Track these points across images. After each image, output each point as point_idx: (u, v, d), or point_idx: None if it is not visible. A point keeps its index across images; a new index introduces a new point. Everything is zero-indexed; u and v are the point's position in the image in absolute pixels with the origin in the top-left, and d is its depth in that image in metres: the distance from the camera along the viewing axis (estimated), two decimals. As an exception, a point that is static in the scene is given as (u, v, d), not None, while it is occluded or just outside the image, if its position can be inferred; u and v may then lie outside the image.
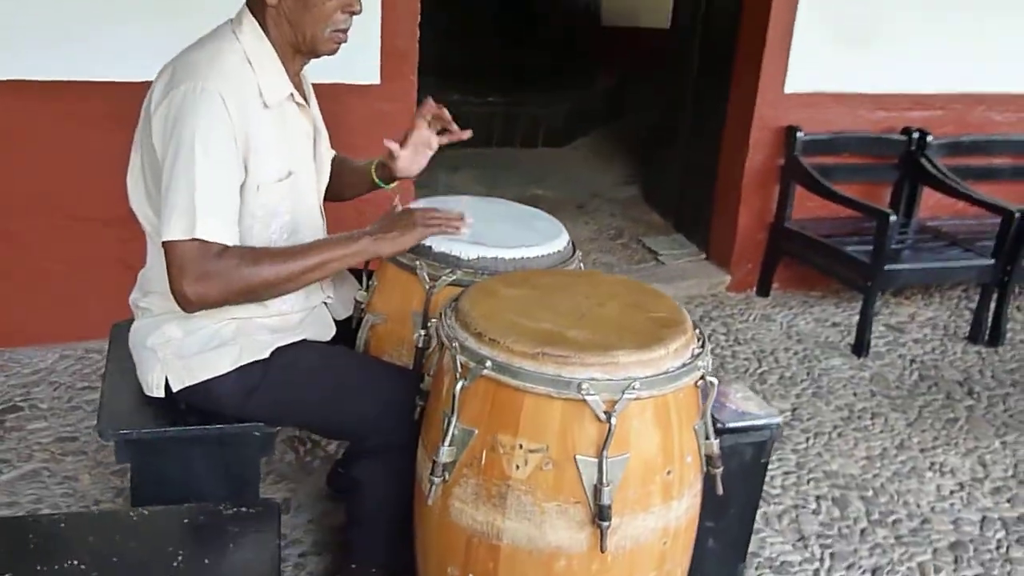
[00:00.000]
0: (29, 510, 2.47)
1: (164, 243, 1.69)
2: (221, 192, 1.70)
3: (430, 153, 2.12)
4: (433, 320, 1.83)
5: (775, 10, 3.89)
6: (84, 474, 2.64)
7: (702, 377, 1.58)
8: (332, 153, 2.19)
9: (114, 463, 2.63)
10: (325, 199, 2.13)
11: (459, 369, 1.53)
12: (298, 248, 1.80)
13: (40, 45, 2.96)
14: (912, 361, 3.73)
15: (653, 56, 5.43)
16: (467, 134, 2.10)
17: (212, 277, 1.67)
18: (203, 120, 1.68)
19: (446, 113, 2.08)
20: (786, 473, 2.90)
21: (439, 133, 2.11)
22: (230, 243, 1.71)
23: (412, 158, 2.09)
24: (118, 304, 3.14)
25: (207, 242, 1.67)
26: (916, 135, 4.19)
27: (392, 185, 2.17)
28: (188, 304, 1.70)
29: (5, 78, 2.95)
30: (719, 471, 1.65)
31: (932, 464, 3.02)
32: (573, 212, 5.01)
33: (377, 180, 2.16)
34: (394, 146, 2.06)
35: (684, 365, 1.55)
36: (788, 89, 4.03)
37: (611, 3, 7.35)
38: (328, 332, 2.01)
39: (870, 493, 2.84)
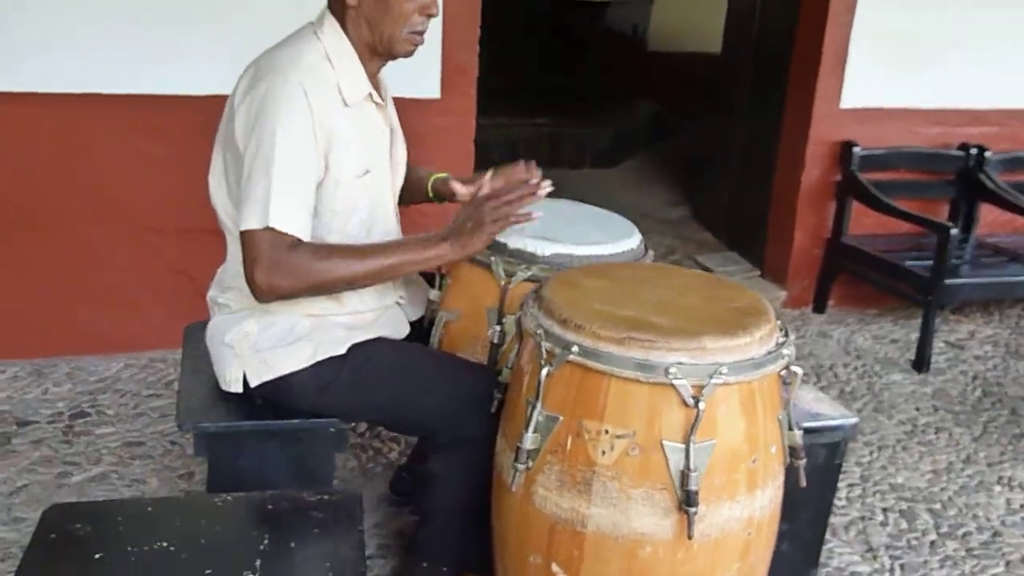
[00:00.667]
0: (99, 511, 2.51)
1: (241, 232, 1.72)
2: (297, 186, 1.73)
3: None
4: (508, 316, 1.84)
5: (830, 27, 3.89)
6: (151, 477, 2.67)
7: (786, 366, 1.57)
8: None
9: (180, 468, 2.69)
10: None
11: (544, 356, 1.53)
12: (372, 247, 1.82)
13: (111, 59, 3.04)
14: (975, 377, 3.67)
15: (698, 80, 5.45)
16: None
17: (284, 268, 1.70)
18: (285, 112, 1.72)
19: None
20: (851, 485, 2.86)
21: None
22: (302, 236, 1.73)
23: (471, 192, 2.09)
24: (181, 314, 3.20)
25: (280, 233, 1.69)
26: (974, 151, 4.15)
27: (444, 202, 2.20)
28: (260, 293, 1.73)
29: (80, 91, 3.03)
30: (802, 462, 1.63)
31: (1000, 478, 2.97)
32: (624, 231, 5.01)
33: (432, 195, 2.19)
34: (460, 189, 2.09)
35: (769, 353, 1.54)
36: (844, 105, 4.01)
37: (658, 28, 7.39)
38: (403, 331, 2.03)
39: (938, 506, 2.79)
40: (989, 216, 4.25)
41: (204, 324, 2.09)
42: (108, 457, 2.74)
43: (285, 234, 1.71)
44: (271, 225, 1.69)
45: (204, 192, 1.95)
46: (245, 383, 1.91)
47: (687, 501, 1.46)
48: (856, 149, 3.97)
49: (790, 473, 1.66)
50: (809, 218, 4.12)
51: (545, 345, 1.53)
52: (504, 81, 5.69)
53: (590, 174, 6.09)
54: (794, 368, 1.57)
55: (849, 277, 4.10)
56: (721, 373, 1.45)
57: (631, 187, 5.92)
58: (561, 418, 1.53)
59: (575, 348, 1.49)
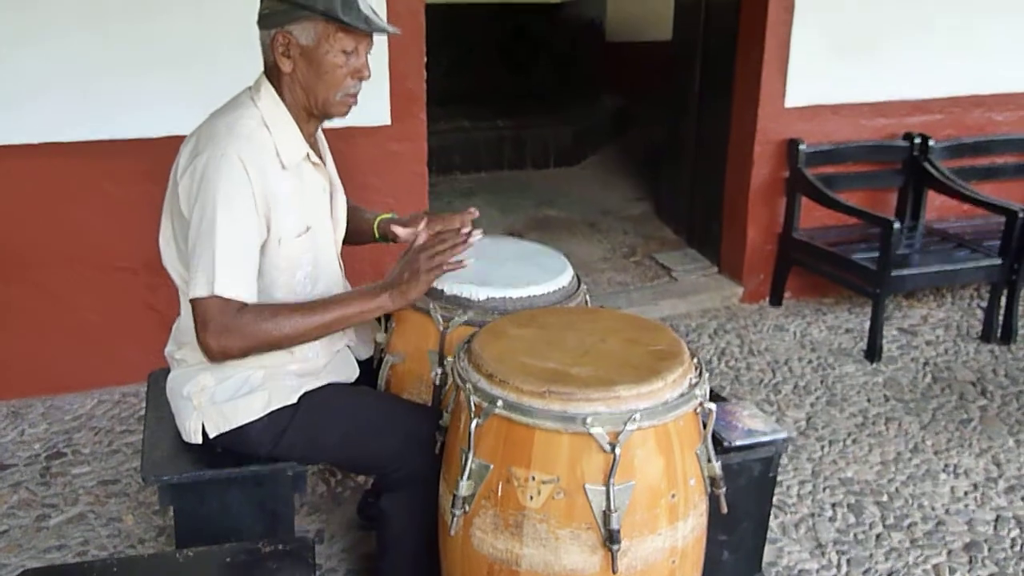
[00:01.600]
0: (77, 552, 2.61)
1: (190, 300, 1.82)
2: (241, 253, 1.83)
3: None
4: (449, 359, 1.94)
5: (771, 26, 3.99)
6: (128, 515, 2.77)
7: (700, 404, 1.69)
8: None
9: (155, 503, 2.78)
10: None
11: (473, 408, 1.64)
12: (316, 304, 1.92)
13: (69, 108, 3.13)
14: (925, 364, 3.80)
15: (658, 70, 5.54)
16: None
17: (232, 331, 1.81)
18: (224, 184, 1.81)
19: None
20: (802, 482, 2.99)
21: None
22: (249, 300, 1.84)
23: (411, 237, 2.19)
24: (150, 348, 3.30)
25: (226, 299, 1.81)
26: (918, 140, 4.28)
27: (391, 242, 2.30)
28: (212, 356, 1.85)
29: (40, 140, 3.12)
30: (722, 491, 1.75)
31: (946, 466, 3.09)
32: (586, 231, 5.12)
33: (378, 236, 2.30)
34: (399, 229, 2.21)
35: (682, 395, 1.66)
36: (788, 103, 4.12)
37: (615, 18, 7.47)
38: (352, 373, 2.14)
39: (885, 498, 2.92)
40: (936, 202, 4.38)
41: (166, 371, 2.19)
42: (85, 497, 2.84)
43: (230, 300, 1.81)
44: (217, 293, 1.80)
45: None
46: (205, 434, 2.01)
47: (610, 539, 1.58)
48: (802, 146, 4.08)
49: (713, 499, 1.78)
50: (761, 214, 4.24)
51: (473, 399, 1.64)
52: (464, 85, 5.80)
53: (554, 173, 6.20)
54: (708, 406, 1.68)
55: (803, 270, 4.23)
56: (635, 419, 1.57)
57: (594, 184, 6.02)
58: (492, 466, 1.64)
59: (500, 403, 1.60)
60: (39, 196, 3.18)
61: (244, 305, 1.84)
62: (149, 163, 3.14)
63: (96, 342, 3.37)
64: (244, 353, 1.88)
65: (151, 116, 3.18)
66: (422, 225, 2.10)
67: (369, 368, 2.20)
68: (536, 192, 5.77)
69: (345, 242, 2.33)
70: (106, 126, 3.17)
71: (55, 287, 3.28)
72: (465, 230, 2.01)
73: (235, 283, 1.82)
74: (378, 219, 2.31)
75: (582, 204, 5.56)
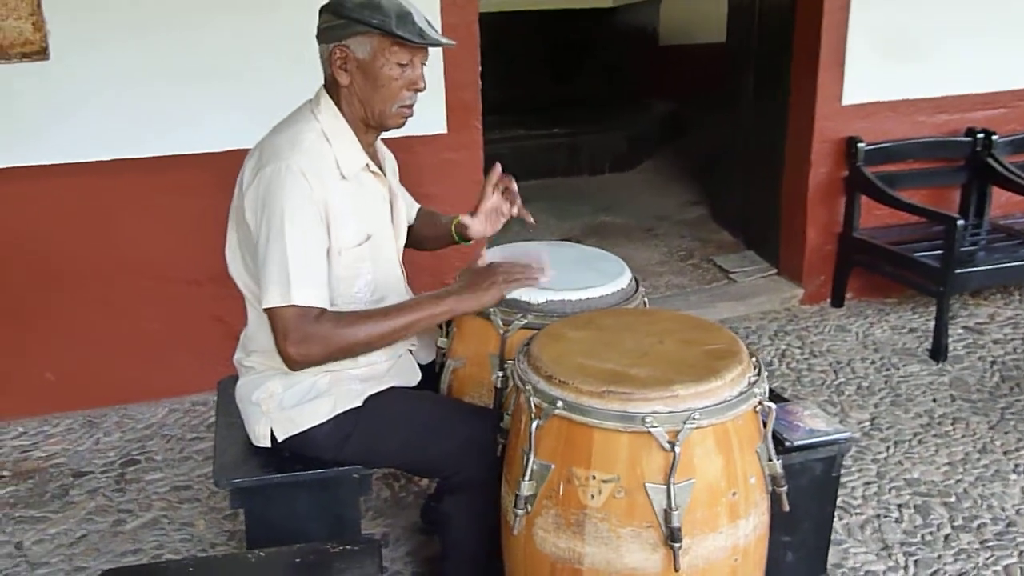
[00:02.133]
0: (152, 555, 2.69)
1: (266, 310, 1.87)
2: (311, 261, 1.88)
3: (503, 219, 2.31)
4: (509, 362, 1.97)
5: (827, 24, 3.96)
6: (199, 520, 2.85)
7: (760, 403, 1.69)
8: (415, 209, 2.41)
9: (226, 508, 2.85)
10: (414, 248, 2.38)
11: (533, 410, 1.67)
12: (389, 309, 1.96)
13: (131, 124, 3.24)
14: (992, 363, 3.73)
15: (711, 73, 5.53)
16: (531, 220, 2.30)
17: (312, 339, 1.85)
18: (289, 197, 1.87)
19: (513, 185, 2.27)
20: (867, 483, 2.95)
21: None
22: (324, 305, 1.88)
23: (485, 224, 2.29)
24: (218, 358, 3.39)
25: (303, 307, 1.85)
26: (981, 135, 4.20)
27: (470, 242, 2.36)
28: (293, 364, 1.89)
29: (105, 158, 3.23)
30: (784, 489, 1.75)
31: (1016, 466, 3.04)
32: (643, 236, 5.12)
33: (456, 238, 2.34)
34: (467, 219, 2.27)
35: (741, 394, 1.66)
36: (846, 101, 4.08)
37: (668, 21, 7.46)
38: (414, 378, 2.18)
39: (953, 499, 2.87)
40: (1001, 198, 4.30)
41: (235, 378, 2.26)
42: (158, 503, 2.93)
43: (308, 308, 1.86)
44: (293, 302, 1.85)
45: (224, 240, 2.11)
46: (273, 438, 2.07)
47: (672, 537, 1.60)
48: (861, 144, 4.04)
49: (775, 497, 1.78)
50: (820, 214, 4.20)
51: (533, 400, 1.67)
52: (518, 93, 5.84)
53: (609, 179, 6.21)
54: (767, 404, 1.68)
55: (864, 270, 4.18)
56: (694, 418, 1.58)
57: (649, 189, 6.02)
58: (553, 466, 1.66)
59: (560, 403, 1.63)
60: (105, 211, 3.29)
61: (322, 312, 1.88)
62: (210, 177, 3.23)
63: (165, 353, 3.47)
64: (324, 360, 1.92)
65: (211, 131, 3.28)
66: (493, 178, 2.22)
67: (431, 372, 2.24)
68: (592, 198, 5.78)
69: (424, 247, 2.43)
70: (168, 142, 3.28)
71: (123, 301, 3.39)
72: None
73: (308, 291, 1.86)
74: (455, 221, 2.37)
75: (638, 209, 5.56)
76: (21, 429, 3.34)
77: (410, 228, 2.41)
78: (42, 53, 3.10)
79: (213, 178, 3.21)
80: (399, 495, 2.95)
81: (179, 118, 3.25)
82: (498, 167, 2.30)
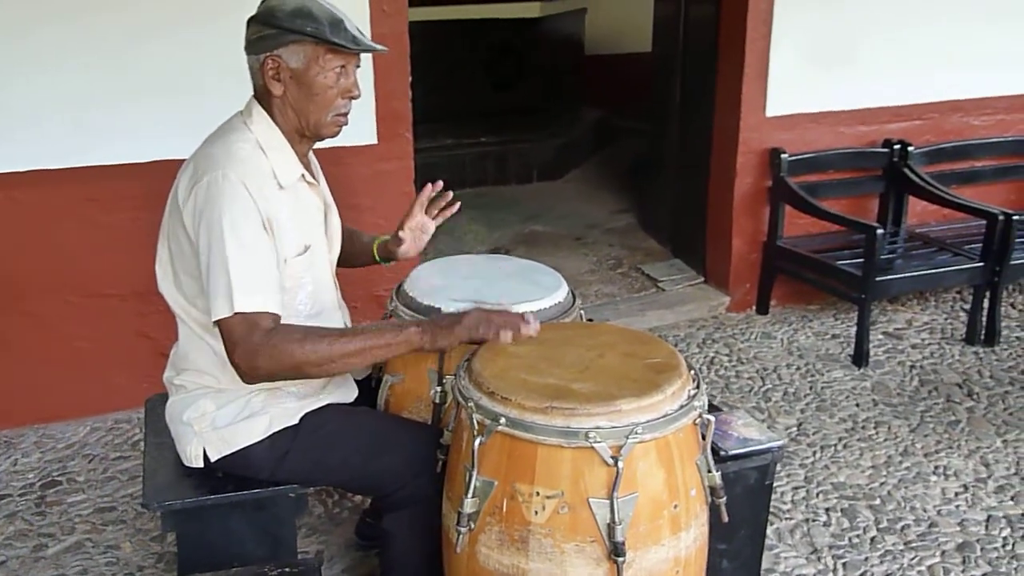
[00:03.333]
0: (77, 581, 2.60)
1: (215, 322, 1.81)
2: (255, 267, 1.82)
3: (427, 237, 2.32)
4: (448, 377, 1.96)
5: (751, 36, 4.05)
6: (125, 542, 2.76)
7: (699, 416, 1.71)
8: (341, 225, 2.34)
9: (153, 530, 2.78)
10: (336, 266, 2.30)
11: (476, 426, 1.66)
12: (345, 331, 1.91)
13: (57, 134, 3.13)
14: (912, 367, 3.84)
15: (638, 82, 5.60)
16: (456, 206, 2.34)
17: (260, 351, 1.78)
18: (228, 205, 1.82)
19: (447, 193, 2.29)
20: (795, 488, 3.02)
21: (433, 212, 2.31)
22: (274, 310, 1.81)
23: (411, 243, 2.29)
24: (142, 375, 3.32)
25: (250, 317, 1.78)
26: (897, 146, 4.34)
27: (391, 263, 2.36)
28: (243, 376, 1.82)
29: (28, 168, 3.12)
30: (723, 500, 1.78)
31: (936, 468, 3.13)
32: (572, 245, 5.16)
33: (378, 258, 2.34)
34: (391, 241, 2.29)
35: (682, 407, 1.68)
36: (769, 112, 4.18)
37: (593, 31, 7.53)
38: (351, 394, 2.15)
39: (878, 501, 2.95)
40: (917, 207, 4.43)
41: (164, 396, 2.19)
42: (81, 525, 2.83)
43: (255, 315, 1.79)
44: (237, 310, 1.78)
45: (155, 255, 2.05)
46: (206, 458, 2.02)
47: (615, 551, 1.60)
48: (784, 155, 4.13)
49: (714, 508, 1.80)
50: (745, 223, 4.28)
51: (476, 417, 1.66)
52: (447, 103, 5.84)
53: (537, 188, 6.24)
54: (707, 417, 1.71)
55: (788, 277, 4.27)
56: (637, 432, 1.59)
57: (578, 197, 6.06)
58: (496, 483, 1.66)
59: (503, 420, 1.62)
60: (27, 223, 3.18)
61: (274, 323, 1.81)
62: (137, 188, 3.17)
63: (87, 369, 3.37)
64: (273, 375, 1.83)
65: (139, 142, 3.20)
66: (404, 223, 2.22)
67: (367, 388, 2.21)
68: (521, 207, 5.80)
69: (342, 264, 2.35)
70: (94, 152, 3.18)
71: (44, 315, 3.27)
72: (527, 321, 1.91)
73: (254, 297, 1.80)
74: (376, 241, 2.35)
75: (567, 218, 5.60)
76: (-68, 451, 3.21)
77: None
78: (-44, 62, 2.98)
79: (140, 190, 3.15)
80: (332, 511, 2.90)
81: (104, 128, 3.16)
82: (429, 186, 2.28)
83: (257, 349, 1.78)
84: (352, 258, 2.36)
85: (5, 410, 3.31)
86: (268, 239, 1.87)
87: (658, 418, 1.63)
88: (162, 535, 2.75)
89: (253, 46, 1.93)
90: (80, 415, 3.40)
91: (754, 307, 4.37)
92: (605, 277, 4.72)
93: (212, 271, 1.81)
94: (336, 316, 2.16)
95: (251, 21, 1.94)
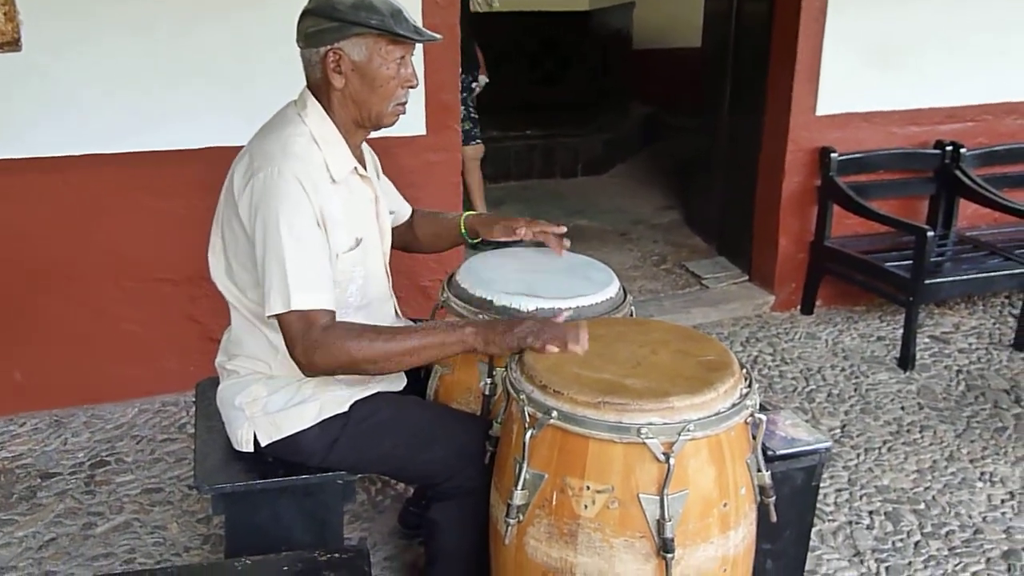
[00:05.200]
0: (124, 560, 2.65)
1: (270, 317, 1.85)
2: (309, 264, 1.85)
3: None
4: (498, 369, 1.97)
5: (803, 34, 4.01)
6: (172, 523, 2.81)
7: (751, 415, 1.71)
8: (408, 211, 2.43)
9: (199, 511, 2.82)
10: (411, 251, 2.43)
11: (527, 419, 1.67)
12: (401, 329, 1.92)
13: (110, 119, 3.18)
14: (958, 371, 3.80)
15: (686, 78, 5.57)
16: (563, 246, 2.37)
17: (318, 347, 1.81)
18: (284, 202, 1.84)
19: (565, 241, 2.34)
20: (839, 490, 2.99)
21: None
22: (329, 307, 1.84)
23: (502, 236, 2.35)
24: (190, 358, 3.38)
25: (307, 314, 1.81)
26: (949, 148, 4.28)
27: (478, 240, 2.39)
28: (304, 370, 1.86)
29: (82, 152, 3.17)
30: (772, 500, 1.77)
31: (982, 474, 3.09)
32: (617, 240, 5.15)
33: (466, 234, 2.37)
34: (485, 230, 2.37)
35: (734, 405, 1.68)
36: (820, 111, 4.14)
37: (642, 25, 7.50)
38: (400, 382, 2.17)
39: (922, 506, 2.92)
40: (968, 210, 4.37)
41: (215, 380, 2.23)
42: (130, 505, 2.88)
43: (312, 312, 1.82)
44: (293, 308, 1.81)
45: (207, 241, 2.07)
46: (256, 443, 2.05)
47: (664, 548, 1.60)
48: (833, 155, 4.09)
49: (762, 507, 1.80)
50: (792, 223, 4.25)
51: (527, 409, 1.67)
52: (495, 96, 5.84)
53: (583, 182, 6.24)
54: (758, 416, 1.70)
55: (835, 278, 4.23)
56: (689, 430, 1.59)
57: (623, 193, 6.05)
58: (546, 476, 1.67)
59: (555, 413, 1.63)
60: (80, 207, 3.23)
61: (330, 319, 1.84)
62: (189, 174, 3.22)
63: (136, 352, 3.42)
64: (331, 370, 1.87)
65: (192, 128, 3.24)
66: (522, 228, 2.22)
67: (416, 378, 2.23)
68: (566, 201, 5.80)
69: (422, 249, 2.46)
70: (147, 137, 3.23)
71: (95, 298, 3.33)
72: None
73: (309, 295, 1.82)
74: (464, 215, 2.39)
75: (612, 213, 5.59)
76: (-14, 428, 3.28)
77: (407, 230, 2.42)
78: (14, 44, 3.03)
79: (192, 176, 3.20)
80: (376, 499, 2.93)
81: (159, 113, 3.20)
82: (563, 229, 2.35)
83: (315, 346, 1.81)
84: (434, 239, 2.43)
85: (56, 390, 3.38)
86: (321, 235, 1.89)
87: (710, 416, 1.63)
88: (208, 517, 2.79)
89: (311, 39, 1.93)
90: (129, 397, 3.46)
91: (799, 307, 4.34)
92: (649, 273, 4.70)
93: (268, 267, 1.84)
94: (387, 307, 2.18)
95: (307, 14, 1.94)
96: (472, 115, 4.97)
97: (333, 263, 1.93)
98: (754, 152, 4.38)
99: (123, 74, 3.15)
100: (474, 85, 5.02)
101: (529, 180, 6.03)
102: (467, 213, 2.41)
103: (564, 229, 2.33)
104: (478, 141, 5.00)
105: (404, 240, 2.45)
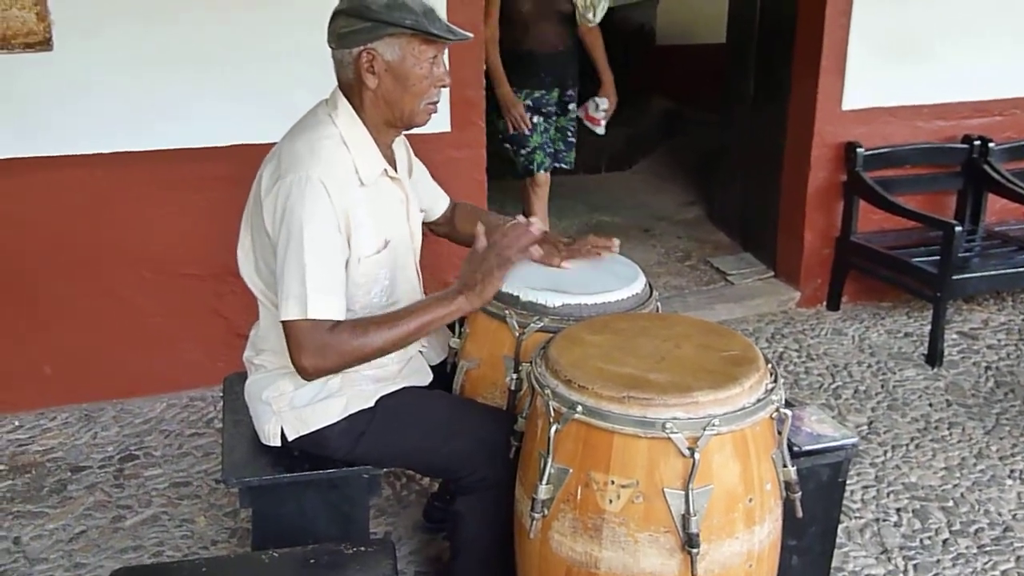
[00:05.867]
0: (153, 552, 2.68)
1: (282, 322, 1.87)
2: (328, 274, 1.87)
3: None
4: (524, 364, 1.98)
5: (828, 28, 3.98)
6: (199, 516, 2.84)
7: (776, 410, 1.70)
8: (444, 202, 2.43)
9: (226, 505, 2.85)
10: (452, 240, 2.44)
11: (552, 414, 1.68)
12: (400, 313, 1.95)
13: (134, 117, 3.22)
14: (987, 368, 3.76)
15: (709, 73, 5.54)
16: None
17: (327, 350, 1.85)
18: (308, 209, 1.86)
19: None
20: (865, 487, 2.98)
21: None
22: (339, 317, 1.88)
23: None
24: (217, 353, 3.40)
25: (318, 322, 1.84)
26: (977, 142, 4.23)
27: None
28: (307, 375, 1.89)
29: (108, 151, 3.21)
30: (797, 495, 1.77)
31: (1012, 472, 3.07)
32: (640, 236, 5.13)
33: None
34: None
35: (759, 401, 1.68)
36: (846, 106, 4.10)
37: (665, 21, 7.47)
38: (426, 378, 2.18)
39: (950, 503, 2.90)
40: (996, 205, 4.33)
41: (242, 375, 2.25)
42: (158, 499, 2.91)
43: (324, 320, 1.85)
44: (309, 316, 1.84)
45: (233, 238, 2.10)
46: (283, 437, 2.06)
47: (689, 542, 1.61)
48: (860, 150, 4.06)
49: (788, 503, 1.80)
50: (818, 218, 4.22)
51: (552, 404, 1.67)
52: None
53: (606, 177, 6.21)
54: (784, 411, 1.70)
55: (861, 274, 4.20)
56: (714, 425, 1.59)
57: (646, 189, 6.03)
58: (571, 470, 1.67)
59: (579, 408, 1.64)
60: (108, 203, 3.27)
61: (336, 323, 1.87)
62: (217, 171, 3.25)
63: (163, 347, 3.46)
64: (339, 369, 1.92)
65: (218, 125, 3.27)
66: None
67: (443, 373, 2.24)
68: (589, 197, 5.79)
69: (460, 242, 2.44)
70: (174, 136, 3.26)
71: (124, 292, 3.37)
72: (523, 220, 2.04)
73: (326, 304, 1.85)
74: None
75: (635, 209, 5.57)
76: (17, 423, 3.32)
77: (446, 221, 2.43)
78: (46, 44, 3.07)
79: (219, 172, 3.23)
80: (400, 493, 2.95)
81: (186, 111, 3.23)
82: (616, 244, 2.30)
83: (324, 348, 1.85)
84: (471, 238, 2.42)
85: (86, 384, 3.42)
86: (342, 244, 1.91)
87: (735, 411, 1.63)
88: (235, 511, 2.82)
89: (344, 39, 1.93)
90: (156, 391, 3.49)
91: (824, 303, 4.31)
92: (673, 269, 4.69)
93: (287, 273, 1.86)
94: (411, 303, 2.19)
95: (339, 14, 1.94)
96: (570, 138, 4.38)
97: (355, 267, 1.96)
98: (778, 147, 4.36)
99: (149, 72, 3.18)
100: (594, 110, 4.38)
101: (553, 176, 6.01)
102: (515, 221, 2.39)
103: (616, 243, 2.28)
104: (556, 166, 4.40)
105: (442, 230, 2.47)
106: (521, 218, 2.10)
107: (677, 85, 7.29)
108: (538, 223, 2.06)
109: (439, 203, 2.42)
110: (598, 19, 4.07)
